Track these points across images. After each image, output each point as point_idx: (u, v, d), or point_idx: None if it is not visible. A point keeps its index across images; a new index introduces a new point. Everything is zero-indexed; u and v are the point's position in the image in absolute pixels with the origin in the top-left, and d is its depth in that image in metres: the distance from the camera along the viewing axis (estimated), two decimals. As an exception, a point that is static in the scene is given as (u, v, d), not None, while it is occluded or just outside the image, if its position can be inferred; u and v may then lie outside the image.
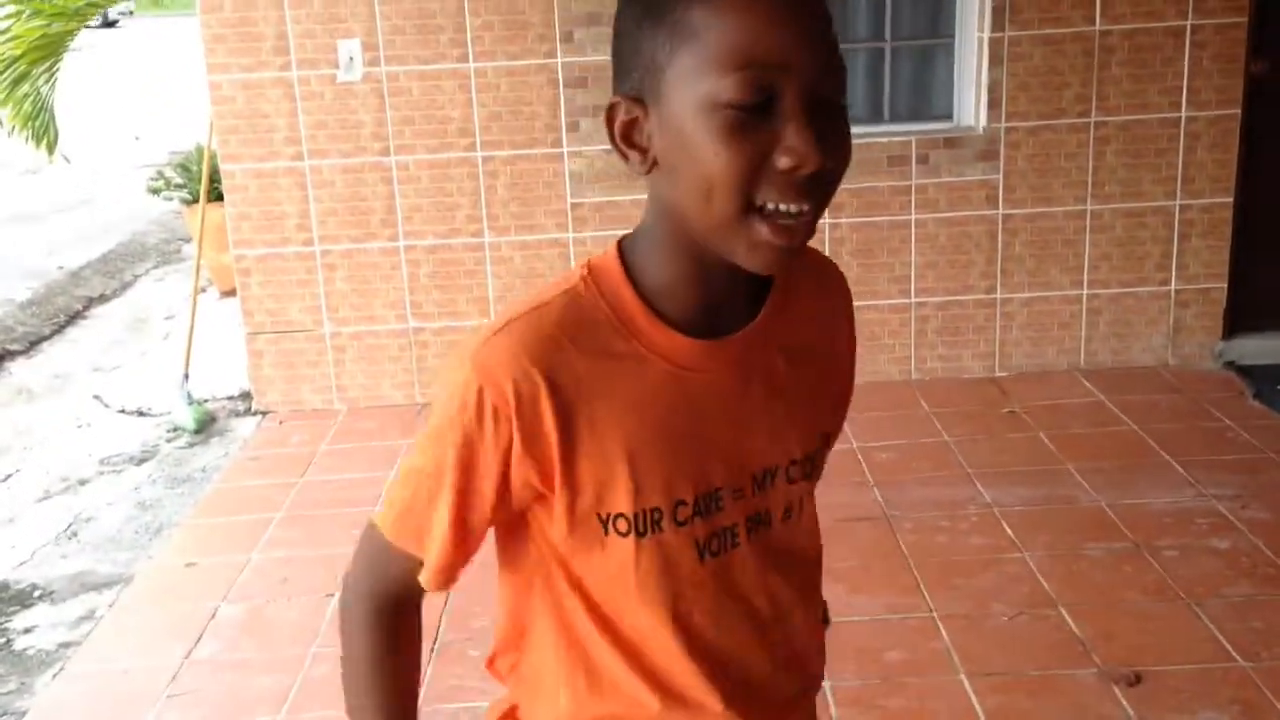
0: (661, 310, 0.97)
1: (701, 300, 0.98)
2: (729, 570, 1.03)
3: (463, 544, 1.01)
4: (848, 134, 0.92)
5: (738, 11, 0.86)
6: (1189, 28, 4.20)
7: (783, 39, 0.86)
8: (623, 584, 1.01)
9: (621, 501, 0.97)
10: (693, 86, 0.87)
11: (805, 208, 0.89)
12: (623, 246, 1.00)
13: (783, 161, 0.87)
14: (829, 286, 1.12)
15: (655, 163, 0.93)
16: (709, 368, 0.99)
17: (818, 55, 0.88)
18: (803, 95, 0.87)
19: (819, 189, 0.89)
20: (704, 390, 0.99)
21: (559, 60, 4.21)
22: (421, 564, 1.02)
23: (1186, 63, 4.23)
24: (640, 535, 0.98)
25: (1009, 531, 3.31)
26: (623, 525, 0.98)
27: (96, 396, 5.03)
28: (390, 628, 1.10)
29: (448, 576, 1.03)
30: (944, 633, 2.84)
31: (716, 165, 0.87)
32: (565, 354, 0.94)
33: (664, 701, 1.03)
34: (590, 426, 0.95)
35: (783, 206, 0.88)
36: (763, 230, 0.89)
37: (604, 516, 0.98)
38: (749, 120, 0.86)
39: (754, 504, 1.03)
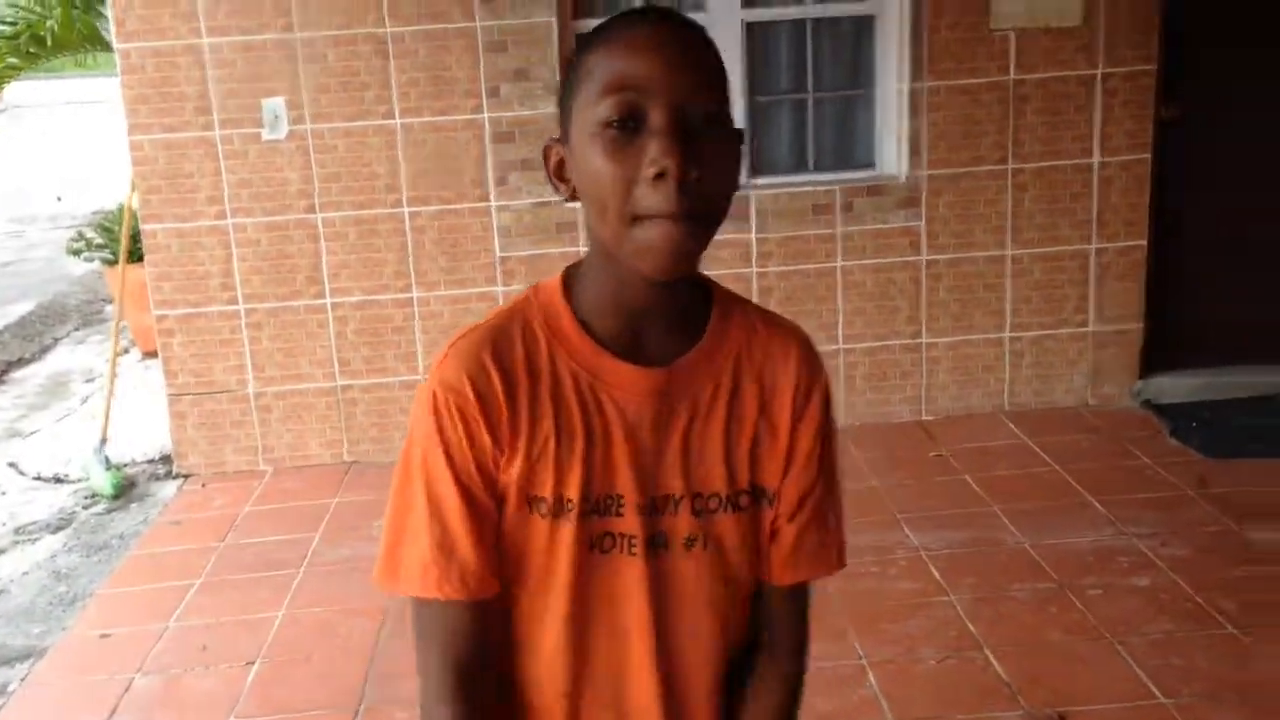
0: (592, 328, 1.09)
1: (624, 319, 1.08)
2: (619, 575, 1.10)
3: (480, 540, 1.07)
4: (726, 150, 1.03)
5: (613, 51, 1.02)
6: (1099, 76, 4.33)
7: (646, 67, 1.00)
8: (533, 567, 1.09)
9: (545, 485, 1.07)
10: (585, 117, 1.03)
11: (674, 210, 0.98)
12: (568, 271, 1.13)
13: (648, 170, 0.99)
14: (786, 354, 1.14)
15: (574, 191, 1.07)
16: (630, 387, 1.08)
17: (682, 79, 1.00)
18: (666, 113, 0.99)
19: (693, 198, 0.99)
20: (620, 408, 1.08)
21: (485, 115, 4.22)
22: (468, 605, 1.08)
23: (1098, 110, 4.35)
24: (555, 518, 1.08)
25: (936, 575, 3.32)
26: (544, 508, 1.08)
27: (12, 464, 4.89)
28: (471, 700, 1.09)
29: (479, 578, 1.08)
30: (872, 679, 2.83)
31: (602, 178, 1.01)
32: (505, 351, 1.08)
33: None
34: (529, 411, 1.07)
35: (653, 209, 0.99)
36: (642, 231, 1.00)
37: (530, 496, 1.08)
38: (625, 140, 1.00)
39: (653, 523, 1.10)
